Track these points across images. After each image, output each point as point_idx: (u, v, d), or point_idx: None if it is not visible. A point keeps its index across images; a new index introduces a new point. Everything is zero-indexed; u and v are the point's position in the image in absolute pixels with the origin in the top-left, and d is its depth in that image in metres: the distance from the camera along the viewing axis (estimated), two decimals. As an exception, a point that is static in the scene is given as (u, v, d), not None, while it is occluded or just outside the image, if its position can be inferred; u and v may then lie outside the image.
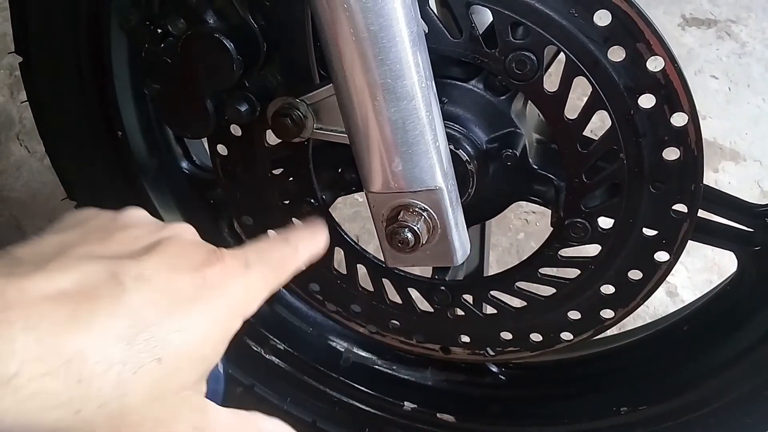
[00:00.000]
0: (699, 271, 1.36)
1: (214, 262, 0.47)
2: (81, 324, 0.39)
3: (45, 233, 0.48)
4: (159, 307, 0.42)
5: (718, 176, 1.51)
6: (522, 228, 1.41)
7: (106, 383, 0.39)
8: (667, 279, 1.34)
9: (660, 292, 1.35)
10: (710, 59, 1.72)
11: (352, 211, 1.42)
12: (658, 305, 1.32)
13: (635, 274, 0.77)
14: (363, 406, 1.04)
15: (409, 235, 0.67)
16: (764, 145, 1.56)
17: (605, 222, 0.75)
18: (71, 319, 0.39)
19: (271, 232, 0.86)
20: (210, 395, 0.47)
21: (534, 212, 1.44)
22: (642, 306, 1.32)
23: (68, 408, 0.38)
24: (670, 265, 0.75)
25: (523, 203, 1.02)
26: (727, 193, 0.82)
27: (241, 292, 0.48)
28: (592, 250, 0.77)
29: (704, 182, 0.76)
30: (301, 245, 0.56)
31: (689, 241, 0.79)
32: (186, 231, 0.51)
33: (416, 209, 0.67)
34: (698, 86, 1.67)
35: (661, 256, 0.75)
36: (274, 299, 1.04)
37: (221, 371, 0.53)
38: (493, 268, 1.35)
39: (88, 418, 0.39)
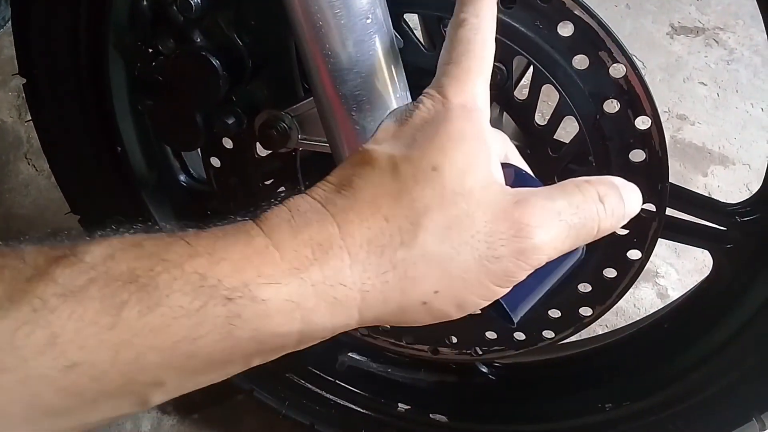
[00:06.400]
0: (689, 273, 1.39)
1: (421, 100, 0.49)
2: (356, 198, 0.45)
3: None
4: (404, 151, 0.46)
5: (707, 180, 1.54)
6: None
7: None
8: (658, 281, 1.40)
9: (650, 294, 1.39)
10: (699, 66, 1.76)
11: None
12: (649, 307, 1.35)
13: (610, 272, 0.80)
14: (359, 408, 1.07)
15: (390, 237, 0.71)
16: (753, 149, 1.59)
17: (579, 222, 0.78)
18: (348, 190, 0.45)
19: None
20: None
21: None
22: (633, 308, 1.36)
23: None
24: (642, 263, 0.79)
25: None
26: (699, 193, 0.85)
27: (462, 86, 0.48)
28: (569, 249, 0.80)
29: (682, 184, 0.80)
30: None
31: (678, 244, 0.83)
32: None
33: (396, 213, 0.71)
34: (687, 93, 1.70)
35: (633, 254, 0.78)
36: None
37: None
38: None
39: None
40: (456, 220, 0.44)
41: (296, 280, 0.41)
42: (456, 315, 0.46)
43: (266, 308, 0.41)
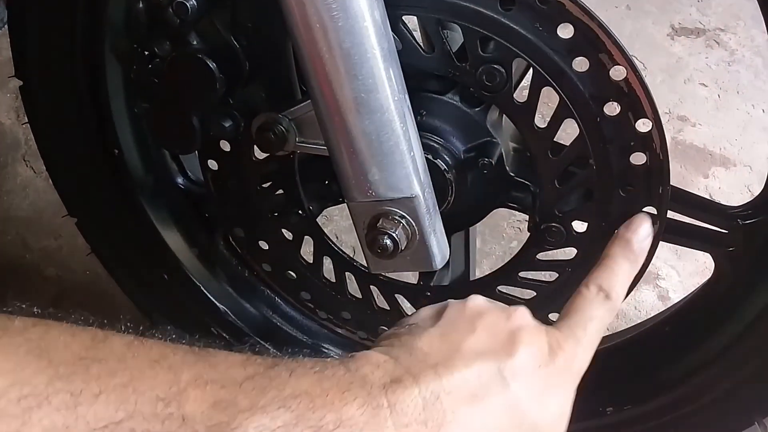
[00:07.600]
0: (690, 275, 1.38)
1: (558, 352, 0.59)
2: (480, 413, 0.53)
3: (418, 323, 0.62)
4: (533, 395, 0.56)
5: (708, 182, 1.54)
6: (515, 236, 1.44)
7: None
8: (659, 283, 1.39)
9: (652, 296, 1.38)
10: (699, 67, 1.75)
11: (348, 224, 1.45)
12: (650, 309, 1.34)
13: (611, 276, 0.79)
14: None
15: (388, 241, 0.70)
16: (754, 151, 1.58)
17: (580, 225, 0.78)
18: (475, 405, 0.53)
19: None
20: None
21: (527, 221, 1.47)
22: (634, 310, 1.36)
23: None
24: (644, 267, 0.78)
25: (516, 212, 1.05)
26: (701, 196, 0.85)
27: (581, 364, 0.62)
28: (569, 253, 0.80)
29: (683, 185, 0.79)
30: (615, 288, 0.66)
31: (679, 246, 0.82)
32: (526, 316, 0.62)
33: (394, 217, 0.70)
34: (688, 94, 1.70)
35: (635, 257, 0.77)
36: (269, 309, 1.07)
37: None
38: (487, 276, 1.38)
39: None
40: None
41: None
42: None
43: None
